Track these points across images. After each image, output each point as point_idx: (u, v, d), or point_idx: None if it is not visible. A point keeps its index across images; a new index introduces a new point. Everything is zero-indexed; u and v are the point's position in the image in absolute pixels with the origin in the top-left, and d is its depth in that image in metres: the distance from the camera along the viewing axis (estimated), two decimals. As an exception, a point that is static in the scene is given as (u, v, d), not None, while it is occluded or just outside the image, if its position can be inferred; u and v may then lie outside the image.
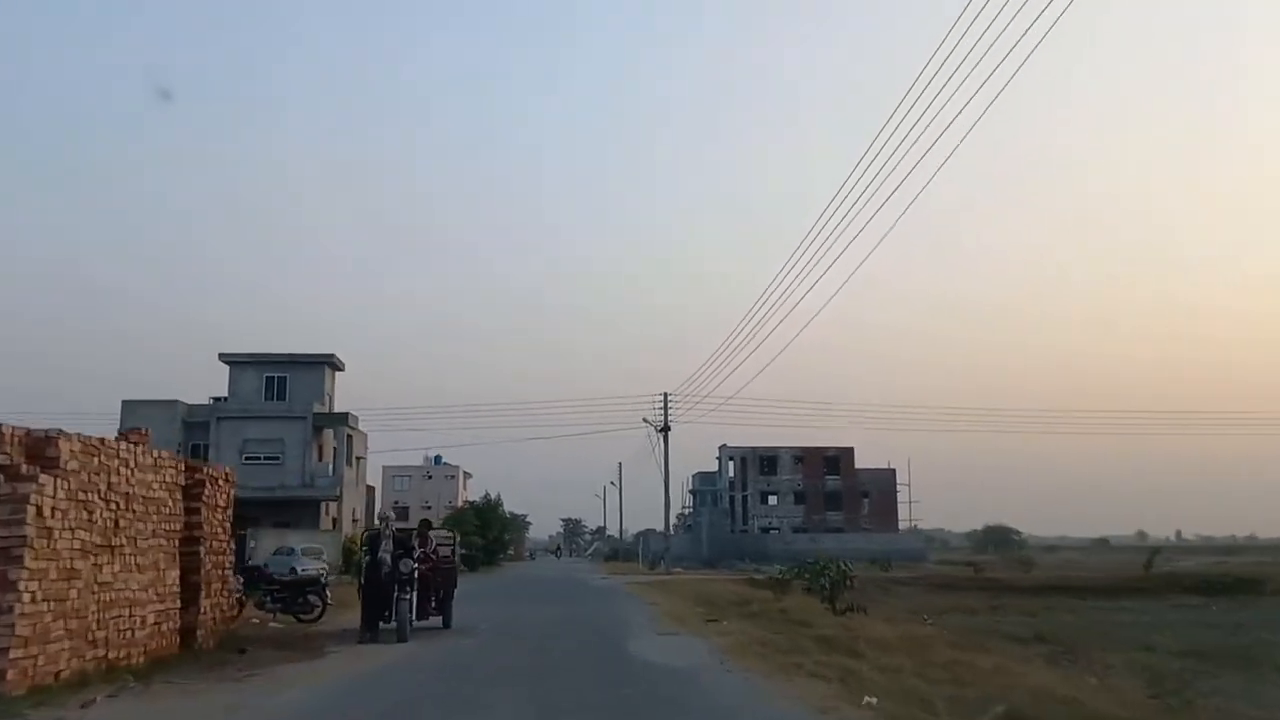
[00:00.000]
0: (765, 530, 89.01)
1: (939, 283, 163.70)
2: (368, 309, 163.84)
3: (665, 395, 44.20)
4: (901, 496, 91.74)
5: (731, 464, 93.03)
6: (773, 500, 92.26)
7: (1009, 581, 38.05)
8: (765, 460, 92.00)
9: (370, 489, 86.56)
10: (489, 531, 56.29)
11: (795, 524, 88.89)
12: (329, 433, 48.86)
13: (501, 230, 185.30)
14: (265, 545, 43.92)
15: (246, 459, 46.93)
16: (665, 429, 44.20)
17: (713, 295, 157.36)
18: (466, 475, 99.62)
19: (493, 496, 66.23)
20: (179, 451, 48.83)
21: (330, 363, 50.34)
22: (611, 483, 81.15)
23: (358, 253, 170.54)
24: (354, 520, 52.37)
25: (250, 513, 49.15)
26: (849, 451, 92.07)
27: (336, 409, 50.15)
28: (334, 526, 47.03)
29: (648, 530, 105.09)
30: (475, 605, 21.64)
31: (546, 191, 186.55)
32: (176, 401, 47.15)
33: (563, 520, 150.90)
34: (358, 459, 55.49)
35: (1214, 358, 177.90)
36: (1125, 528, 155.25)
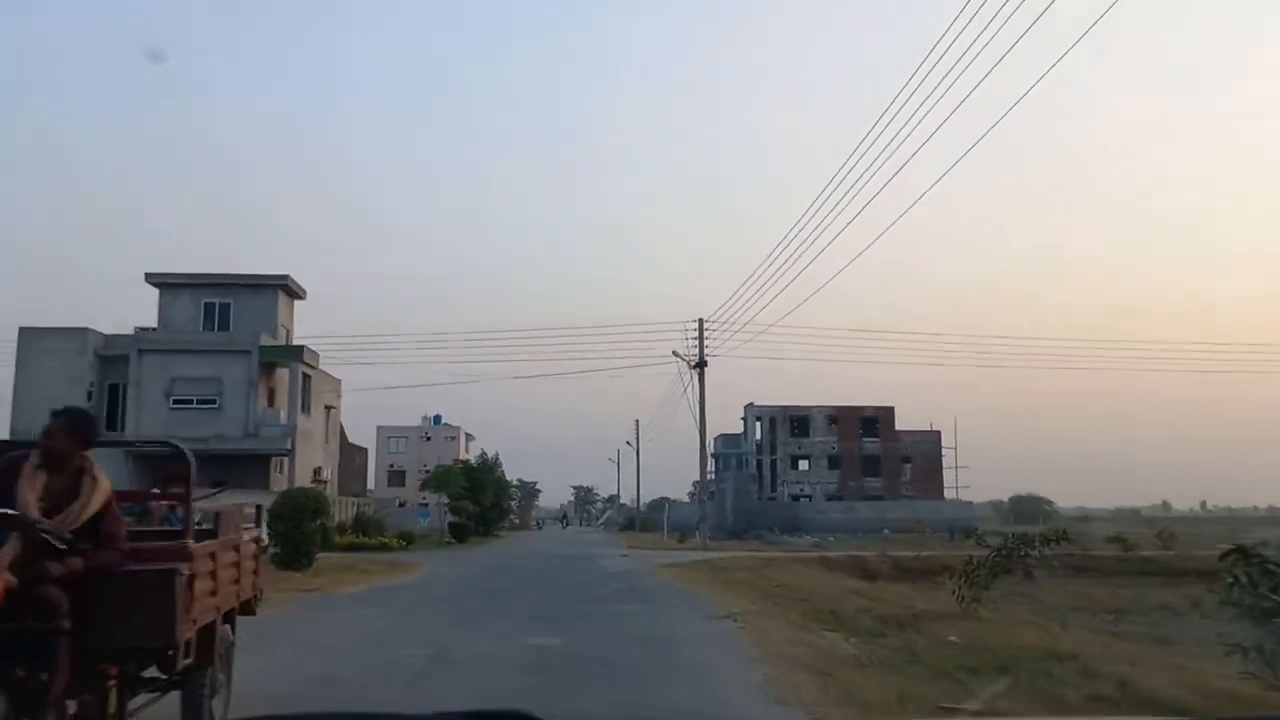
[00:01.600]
0: (795, 498, 79.28)
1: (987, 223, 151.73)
2: (337, 229, 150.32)
3: (700, 322, 33.91)
4: (946, 462, 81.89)
5: (759, 425, 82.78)
6: (804, 465, 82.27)
7: (1168, 563, 27.67)
8: (796, 421, 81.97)
9: (360, 450, 76.76)
10: (481, 496, 46.05)
11: (829, 491, 79.38)
12: (283, 374, 38.53)
13: (504, 140, 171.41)
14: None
15: (175, 402, 36.77)
16: (700, 364, 33.78)
17: (759, 215, 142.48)
18: (469, 437, 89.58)
19: (489, 456, 56.04)
20: (90, 393, 38.73)
21: (284, 286, 39.91)
22: (628, 443, 70.77)
23: (327, 171, 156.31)
24: (318, 480, 42.25)
25: (178, 469, 39.18)
26: (889, 411, 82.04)
27: (296, 344, 39.84)
28: (287, 488, 36.88)
29: (662, 499, 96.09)
30: (401, 614, 11.34)
31: (550, 102, 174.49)
32: (86, 330, 36.81)
33: (574, 488, 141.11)
34: (328, 409, 45.32)
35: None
36: (1143, 499, 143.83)
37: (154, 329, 38.12)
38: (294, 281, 40.31)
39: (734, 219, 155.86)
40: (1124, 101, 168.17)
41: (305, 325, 45.90)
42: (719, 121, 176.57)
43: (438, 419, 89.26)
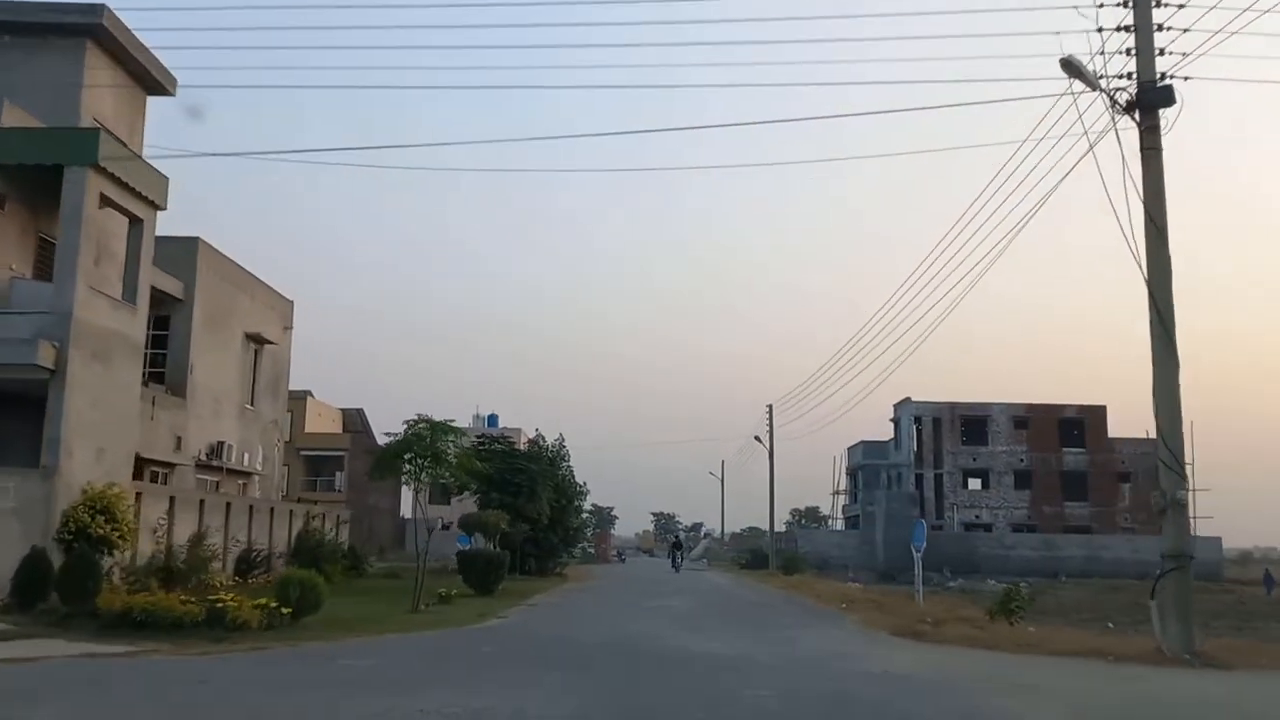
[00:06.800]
0: (969, 526, 55.65)
1: None
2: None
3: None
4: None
5: (915, 428, 58.98)
6: (976, 483, 58.70)
7: None
8: (968, 423, 58.56)
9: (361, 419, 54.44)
10: (531, 504, 23.16)
11: (1015, 518, 56.08)
12: (99, 220, 16.19)
13: None
14: None
15: None
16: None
17: None
18: (532, 441, 67.19)
19: (549, 443, 33.74)
20: None
21: (94, 32, 17.85)
22: (756, 438, 47.39)
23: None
24: (215, 464, 20.00)
25: None
26: (1098, 412, 58.32)
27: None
28: (49, 464, 14.58)
29: (752, 529, 73.48)
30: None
31: None
32: None
33: (653, 515, 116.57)
34: (255, 342, 23.78)
35: None
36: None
37: None
38: (116, 23, 18.15)
39: None
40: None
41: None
42: None
43: (492, 418, 67.34)
